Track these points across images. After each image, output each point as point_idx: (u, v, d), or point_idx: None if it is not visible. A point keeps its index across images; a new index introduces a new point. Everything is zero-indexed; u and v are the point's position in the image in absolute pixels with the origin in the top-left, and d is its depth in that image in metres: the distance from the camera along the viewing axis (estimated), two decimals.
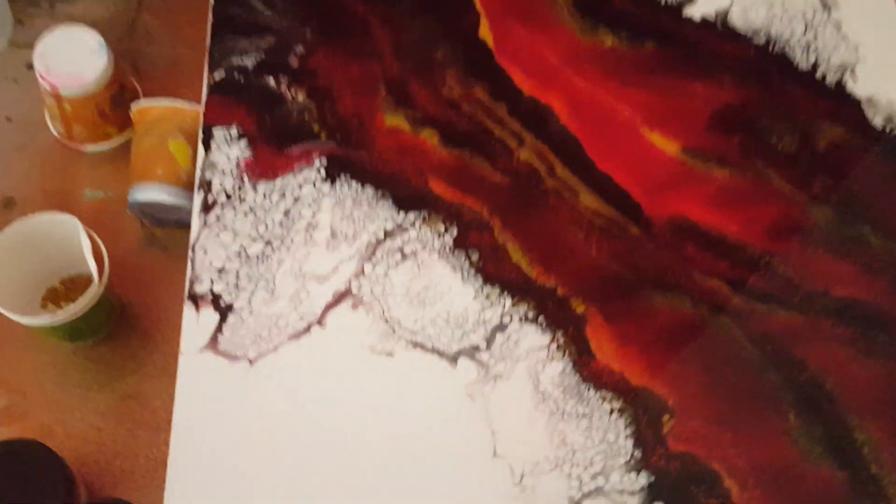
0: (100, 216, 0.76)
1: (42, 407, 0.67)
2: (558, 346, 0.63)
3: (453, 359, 0.62)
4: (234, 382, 0.60)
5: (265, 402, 0.60)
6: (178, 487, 0.57)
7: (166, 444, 0.65)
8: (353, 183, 0.67)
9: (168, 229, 0.76)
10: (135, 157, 0.73)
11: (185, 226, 0.73)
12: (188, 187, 0.71)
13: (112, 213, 0.77)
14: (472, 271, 0.65)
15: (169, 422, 0.65)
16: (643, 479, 0.59)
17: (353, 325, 0.63)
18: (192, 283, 0.63)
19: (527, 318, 0.64)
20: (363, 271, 0.64)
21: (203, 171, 0.67)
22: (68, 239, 0.66)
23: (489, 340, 0.63)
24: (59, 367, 0.68)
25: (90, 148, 0.80)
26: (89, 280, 0.65)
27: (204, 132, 0.68)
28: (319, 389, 0.61)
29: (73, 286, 0.71)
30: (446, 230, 0.66)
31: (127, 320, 0.72)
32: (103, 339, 0.70)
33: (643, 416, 0.61)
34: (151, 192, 0.70)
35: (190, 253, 0.64)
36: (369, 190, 0.67)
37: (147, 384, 0.70)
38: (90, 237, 0.64)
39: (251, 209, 0.66)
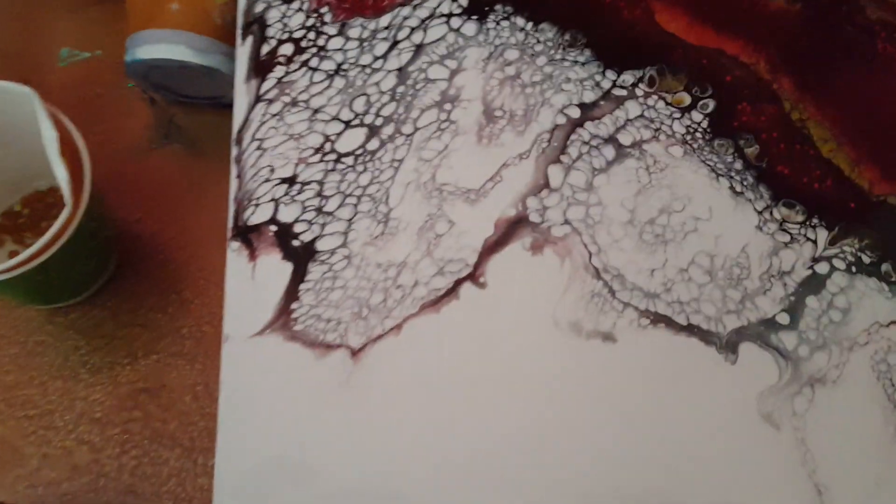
0: (85, 91, 0.49)
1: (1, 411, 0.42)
2: None
3: (729, 346, 0.34)
4: (322, 390, 0.34)
5: (381, 423, 0.34)
6: None
7: (208, 472, 0.40)
8: (518, 18, 0.39)
9: (196, 111, 0.48)
10: None
11: (225, 104, 0.46)
12: (226, 37, 0.43)
13: (105, 84, 0.49)
14: (749, 176, 0.36)
15: (211, 435, 0.40)
16: None
17: (537, 282, 0.36)
18: (239, 206, 0.36)
19: (861, 266, 0.36)
20: (547, 181, 0.36)
21: (251, 2, 0.39)
22: (27, 128, 0.39)
23: (795, 309, 0.35)
24: (27, 347, 0.43)
25: None
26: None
27: None
28: (480, 402, 0.34)
29: (42, 209, 0.44)
30: (694, 101, 0.37)
31: (134, 265, 0.46)
32: (95, 298, 0.44)
33: None
34: (163, 46, 0.43)
35: (233, 151, 0.36)
36: (548, 31, 0.38)
37: (172, 371, 0.44)
38: (57, 123, 0.37)
39: (339, 69, 0.38)
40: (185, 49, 0.44)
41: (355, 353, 0.36)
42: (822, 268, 0.37)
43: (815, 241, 0.37)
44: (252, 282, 0.36)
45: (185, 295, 0.47)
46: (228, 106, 0.40)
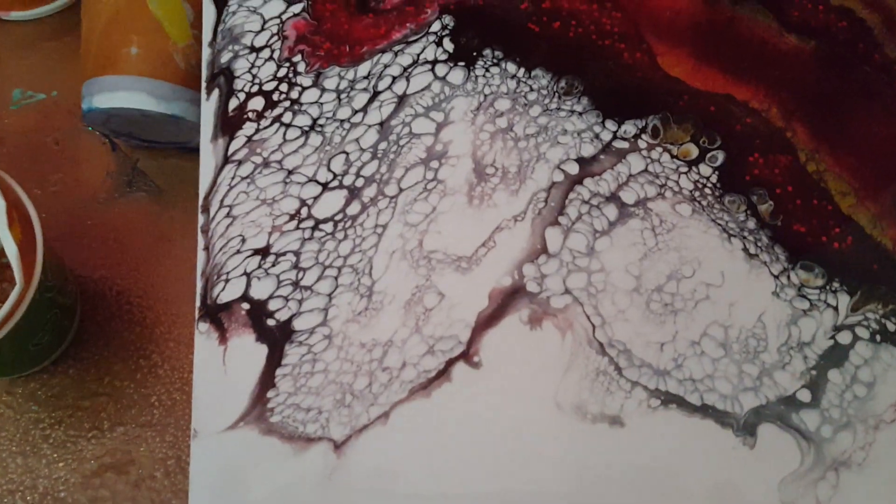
0: (40, 137, 0.46)
1: None
2: None
3: (747, 427, 0.32)
4: (303, 489, 0.31)
5: None
6: None
7: None
8: (509, 64, 0.36)
9: (159, 154, 0.45)
10: (88, 28, 0.41)
11: (190, 148, 0.43)
12: (190, 81, 0.39)
13: (61, 128, 0.46)
14: (764, 236, 0.34)
15: None
16: None
17: (536, 360, 0.33)
18: (207, 281, 0.32)
19: (886, 334, 0.33)
20: (545, 245, 0.33)
21: (216, 51, 0.35)
22: None
23: (816, 385, 0.32)
24: None
25: (17, 14, 0.48)
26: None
27: None
28: (477, 497, 0.31)
29: None
30: (702, 153, 0.35)
31: (98, 327, 0.42)
32: (56, 365, 0.41)
33: None
34: (122, 94, 0.39)
35: (200, 219, 0.33)
36: (542, 78, 0.36)
37: (141, 444, 0.41)
38: (5, 189, 0.33)
39: (314, 124, 0.35)
40: (146, 97, 0.40)
41: (339, 446, 0.33)
42: (844, 337, 0.34)
43: (836, 308, 0.34)
44: (223, 368, 0.33)
45: (154, 359, 0.44)
46: (196, 149, 0.37)
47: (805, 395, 0.34)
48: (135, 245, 0.46)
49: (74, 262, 0.45)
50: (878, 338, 0.34)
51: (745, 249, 0.35)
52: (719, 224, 0.35)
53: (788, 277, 0.35)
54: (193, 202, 0.36)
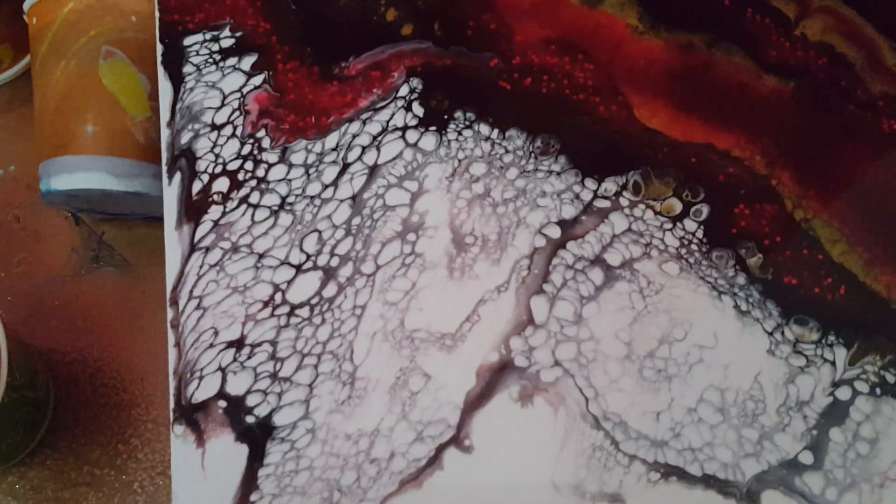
0: (0, 215, 0.43)
1: None
2: None
3: (751, 496, 0.31)
4: None
5: None
6: None
7: None
8: (482, 126, 0.34)
9: (125, 224, 0.43)
10: (40, 106, 0.39)
11: (156, 217, 0.41)
12: (151, 156, 0.38)
13: (22, 204, 0.44)
14: (755, 291, 0.33)
15: None
16: None
17: (530, 440, 0.31)
18: (180, 380, 0.31)
19: (886, 386, 0.32)
20: (531, 316, 0.32)
21: (175, 131, 0.34)
22: None
23: (818, 445, 0.31)
24: None
25: None
26: None
27: (165, 44, 0.35)
28: None
29: None
30: (686, 208, 0.33)
31: (73, 413, 0.41)
32: (33, 456, 0.39)
33: None
34: (81, 175, 0.38)
35: (169, 313, 0.31)
36: (517, 138, 0.34)
37: None
38: None
39: (283, 203, 0.33)
40: (105, 176, 0.39)
41: None
42: (843, 393, 0.33)
43: (833, 362, 0.33)
44: (202, 472, 0.32)
45: (133, 443, 0.42)
46: (159, 218, 0.35)
47: (807, 458, 0.32)
48: (105, 323, 0.44)
49: (44, 345, 0.43)
50: (877, 391, 0.33)
51: (737, 307, 0.34)
52: (708, 282, 0.34)
53: (783, 333, 0.34)
54: (163, 273, 0.34)
